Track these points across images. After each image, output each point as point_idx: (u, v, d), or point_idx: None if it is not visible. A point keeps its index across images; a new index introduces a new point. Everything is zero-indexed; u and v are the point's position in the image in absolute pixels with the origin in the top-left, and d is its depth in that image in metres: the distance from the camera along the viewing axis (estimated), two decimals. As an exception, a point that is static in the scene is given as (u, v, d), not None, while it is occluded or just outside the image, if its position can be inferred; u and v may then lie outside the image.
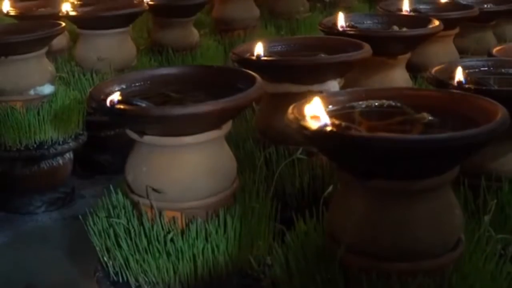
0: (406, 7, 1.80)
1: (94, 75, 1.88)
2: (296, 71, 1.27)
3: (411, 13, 1.76)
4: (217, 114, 1.03)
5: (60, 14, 1.87)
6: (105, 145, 1.93)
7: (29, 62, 1.66)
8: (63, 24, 1.72)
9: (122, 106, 1.02)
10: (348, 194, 0.90)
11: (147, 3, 2.06)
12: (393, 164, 0.81)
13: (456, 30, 1.81)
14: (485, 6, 1.92)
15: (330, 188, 1.09)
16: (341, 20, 1.56)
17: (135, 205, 1.12)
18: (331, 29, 1.54)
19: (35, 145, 1.66)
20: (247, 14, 2.43)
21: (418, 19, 1.64)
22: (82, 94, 1.82)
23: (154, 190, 1.08)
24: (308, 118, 0.86)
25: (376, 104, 0.99)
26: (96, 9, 1.98)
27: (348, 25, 1.56)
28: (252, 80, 1.12)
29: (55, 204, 1.73)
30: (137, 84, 1.18)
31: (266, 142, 1.35)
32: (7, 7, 2.02)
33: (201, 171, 1.09)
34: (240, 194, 1.17)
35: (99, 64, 1.89)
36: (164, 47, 2.18)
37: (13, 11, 2.01)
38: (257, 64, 1.27)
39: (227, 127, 1.11)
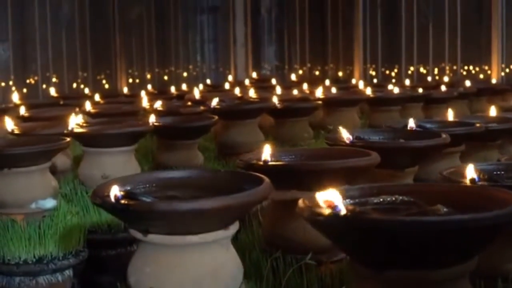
0: (411, 124, 1.80)
1: (97, 192, 1.86)
2: (304, 177, 1.25)
3: (417, 129, 1.76)
4: (225, 211, 1.00)
5: (65, 131, 1.88)
6: (105, 266, 1.88)
7: (32, 175, 1.65)
8: (68, 139, 1.72)
9: (126, 201, 0.99)
10: (362, 288, 0.86)
11: (153, 124, 2.07)
12: (411, 250, 0.78)
13: (462, 147, 1.81)
14: (490, 125, 1.92)
15: (343, 289, 1.04)
16: (347, 134, 1.56)
17: (137, 309, 1.07)
18: (337, 141, 1.53)
19: (34, 260, 1.61)
20: (252, 138, 2.43)
21: (424, 134, 1.64)
22: (84, 211, 1.80)
23: (157, 292, 1.03)
24: (320, 204, 0.83)
25: (389, 199, 0.96)
26: (101, 127, 1.99)
27: (355, 138, 1.55)
28: (260, 182, 1.09)
29: (51, 323, 1.66)
30: (142, 186, 1.16)
31: (273, 251, 1.31)
32: (11, 126, 2.03)
33: (206, 273, 1.04)
34: (246, 302, 1.12)
35: (103, 182, 1.86)
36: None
37: (17, 130, 2.02)
38: (264, 170, 1.25)
39: (234, 228, 1.07)
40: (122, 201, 0.99)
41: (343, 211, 0.80)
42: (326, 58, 5.69)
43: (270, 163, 1.28)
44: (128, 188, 1.13)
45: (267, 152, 1.30)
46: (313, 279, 1.26)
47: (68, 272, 1.70)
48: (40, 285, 1.64)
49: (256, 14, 5.78)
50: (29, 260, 1.61)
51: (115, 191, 1.01)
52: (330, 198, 0.83)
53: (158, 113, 2.47)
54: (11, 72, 4.46)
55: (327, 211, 0.80)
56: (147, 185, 1.17)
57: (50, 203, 1.69)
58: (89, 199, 1.85)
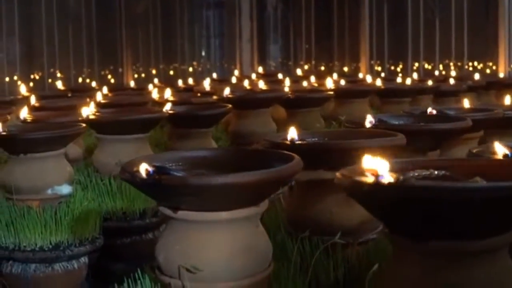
0: (431, 109, 1.78)
1: (112, 180, 1.84)
2: (333, 156, 1.22)
3: (437, 114, 1.74)
4: (257, 186, 0.98)
5: (80, 118, 1.86)
6: (120, 253, 1.86)
7: (48, 161, 1.64)
8: (83, 125, 1.70)
9: (157, 176, 0.97)
10: (401, 261, 0.83)
11: (167, 112, 2.05)
12: (455, 218, 0.76)
13: (481, 133, 1.79)
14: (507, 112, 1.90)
15: (376, 266, 1.02)
16: (369, 118, 1.53)
17: (165, 287, 1.05)
18: (358, 125, 1.51)
19: (50, 246, 1.59)
20: (264, 128, 2.41)
21: (444, 118, 1.62)
22: (99, 198, 1.78)
23: (187, 270, 1.01)
24: (362, 173, 0.81)
25: (424, 173, 0.94)
26: (115, 115, 1.97)
27: (377, 121, 1.53)
28: (288, 159, 1.07)
29: (67, 309, 1.64)
30: (168, 164, 1.14)
31: (298, 233, 1.29)
32: (25, 114, 2.01)
33: (237, 250, 1.02)
34: (275, 282, 1.10)
35: (118, 169, 1.84)
36: (182, 157, 2.14)
37: (30, 118, 2.00)
38: (292, 149, 1.22)
39: (264, 205, 1.06)
40: (153, 176, 0.97)
41: (388, 180, 0.77)
42: (331, 54, 5.68)
43: (297, 142, 1.25)
44: (156, 164, 1.11)
45: (293, 132, 1.28)
46: (339, 261, 1.24)
47: (84, 259, 1.68)
48: (56, 272, 1.62)
49: (262, 9, 5.78)
50: (45, 247, 1.59)
51: (145, 166, 0.99)
52: (374, 167, 0.80)
53: (170, 103, 2.45)
54: (17, 66, 4.45)
55: (370, 180, 0.78)
56: (174, 164, 1.15)
57: (66, 189, 1.67)
58: (104, 187, 1.83)
